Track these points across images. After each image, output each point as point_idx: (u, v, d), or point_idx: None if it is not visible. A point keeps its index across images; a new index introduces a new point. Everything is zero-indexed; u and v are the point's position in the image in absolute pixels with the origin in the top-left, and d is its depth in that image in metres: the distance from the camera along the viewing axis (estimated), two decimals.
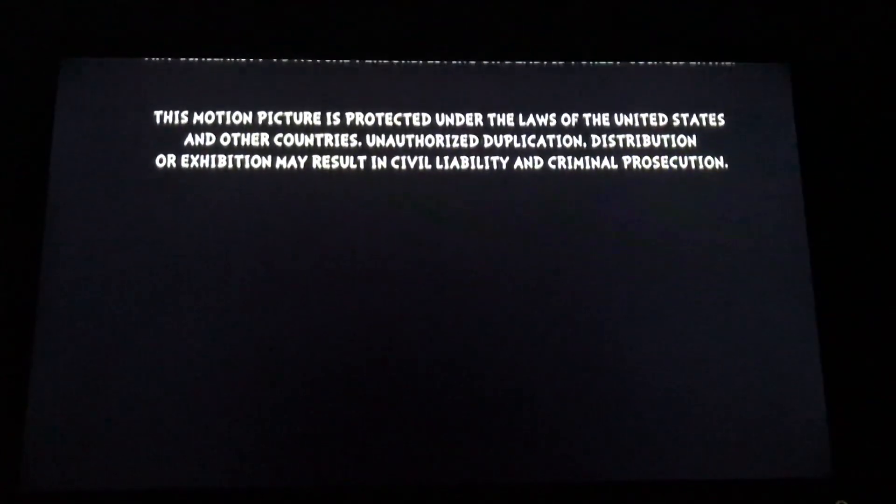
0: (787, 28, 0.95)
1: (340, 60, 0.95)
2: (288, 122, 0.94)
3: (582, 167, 0.94)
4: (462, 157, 0.94)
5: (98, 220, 0.88)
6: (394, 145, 0.94)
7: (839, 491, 0.80)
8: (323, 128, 0.94)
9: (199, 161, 0.92)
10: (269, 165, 0.92)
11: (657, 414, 0.85)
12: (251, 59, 0.94)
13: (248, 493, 0.82)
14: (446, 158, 0.94)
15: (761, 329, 0.87)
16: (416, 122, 0.95)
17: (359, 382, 0.86)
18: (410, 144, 0.95)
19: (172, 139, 0.92)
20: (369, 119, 0.95)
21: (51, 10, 0.93)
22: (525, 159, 0.94)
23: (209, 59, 0.94)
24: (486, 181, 0.93)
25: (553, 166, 0.94)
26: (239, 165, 0.92)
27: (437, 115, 0.96)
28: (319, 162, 0.93)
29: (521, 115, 0.96)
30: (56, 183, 0.88)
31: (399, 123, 0.95)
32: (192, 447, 0.82)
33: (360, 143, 0.94)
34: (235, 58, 0.94)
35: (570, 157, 0.95)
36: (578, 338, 0.88)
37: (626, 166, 0.94)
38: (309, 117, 0.94)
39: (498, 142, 0.95)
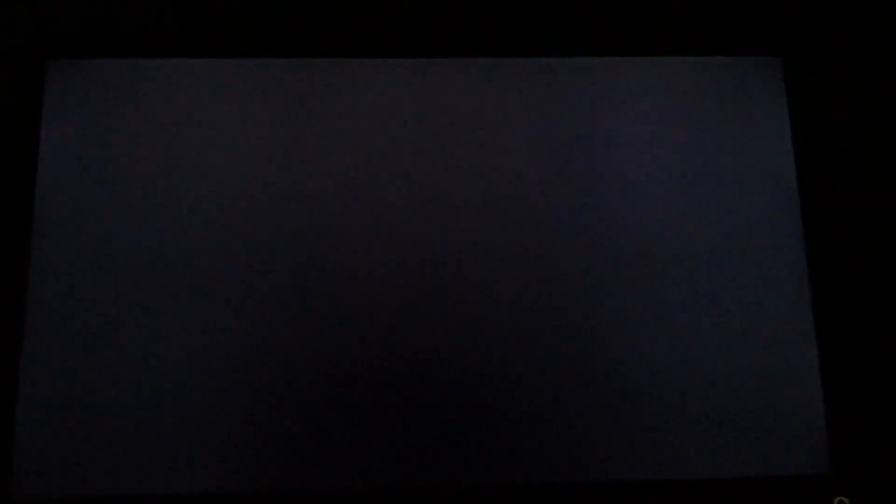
0: (780, 22, 0.94)
1: None
2: None
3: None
4: None
5: (88, 222, 0.90)
6: None
7: (838, 487, 0.80)
8: None
9: None
10: None
11: (652, 412, 0.88)
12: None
13: (245, 497, 0.84)
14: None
15: (757, 323, 0.88)
16: None
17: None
18: None
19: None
20: None
21: (35, 9, 0.92)
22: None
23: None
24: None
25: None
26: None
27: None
28: None
29: None
30: (43, 189, 0.89)
31: None
32: (191, 451, 0.82)
33: None
34: (228, 57, 0.95)
35: None
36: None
37: None
38: None
39: None
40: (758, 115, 0.93)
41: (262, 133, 0.94)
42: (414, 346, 0.89)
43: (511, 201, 0.93)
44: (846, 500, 0.76)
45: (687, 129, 0.94)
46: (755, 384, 0.89)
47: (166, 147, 0.92)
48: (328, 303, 0.90)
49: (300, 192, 0.93)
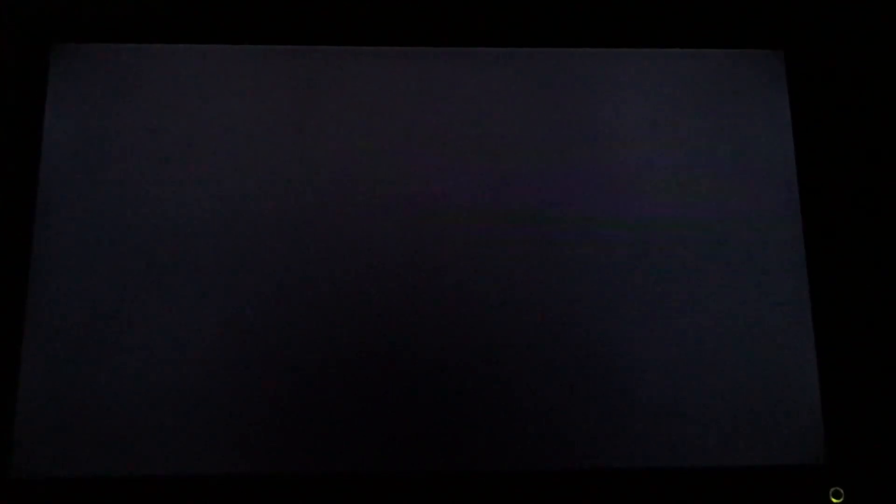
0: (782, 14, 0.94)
1: None
2: None
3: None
4: None
5: (92, 208, 0.91)
6: None
7: (834, 478, 0.81)
8: None
9: None
10: None
11: (648, 401, 0.88)
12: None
13: (245, 479, 0.86)
14: None
15: (754, 314, 0.89)
16: None
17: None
18: None
19: None
20: None
21: None
22: None
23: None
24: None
25: None
26: None
27: None
28: None
29: None
30: (47, 176, 0.91)
31: None
32: (190, 434, 0.85)
33: None
34: (236, 44, 0.96)
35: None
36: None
37: None
38: None
39: None
40: (758, 109, 0.92)
41: (270, 120, 0.94)
42: (414, 335, 0.89)
43: (506, 191, 0.93)
44: (841, 491, 0.75)
45: (686, 122, 0.93)
46: (752, 375, 0.88)
47: (172, 133, 0.93)
48: (331, 293, 0.90)
49: (306, 178, 0.93)
